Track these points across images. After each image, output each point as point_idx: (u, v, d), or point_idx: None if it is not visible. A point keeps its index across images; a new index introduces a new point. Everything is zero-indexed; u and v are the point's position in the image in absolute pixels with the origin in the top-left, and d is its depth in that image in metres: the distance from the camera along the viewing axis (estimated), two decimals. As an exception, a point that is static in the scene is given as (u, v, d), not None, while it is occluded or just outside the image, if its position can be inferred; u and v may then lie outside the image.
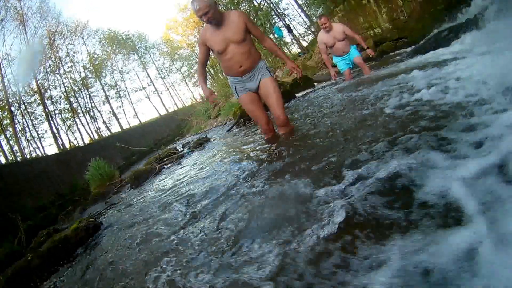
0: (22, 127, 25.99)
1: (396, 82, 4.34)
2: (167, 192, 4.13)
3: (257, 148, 3.95)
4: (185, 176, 4.66)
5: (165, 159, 7.68)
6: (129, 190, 6.57)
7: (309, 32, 29.62)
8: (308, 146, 3.00)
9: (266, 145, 3.80)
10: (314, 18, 27.51)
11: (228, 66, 3.66)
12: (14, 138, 24.35)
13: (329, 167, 2.26)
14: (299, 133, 3.71)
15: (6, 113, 24.50)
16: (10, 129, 24.47)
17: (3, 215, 9.80)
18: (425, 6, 9.65)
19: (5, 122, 24.50)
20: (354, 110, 3.70)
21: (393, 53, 11.16)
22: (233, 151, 4.79)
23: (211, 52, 3.75)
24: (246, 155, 3.83)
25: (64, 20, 35.30)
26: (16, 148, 24.29)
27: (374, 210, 1.48)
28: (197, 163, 5.50)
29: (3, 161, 22.32)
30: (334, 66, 7.39)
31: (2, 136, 23.90)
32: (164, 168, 7.00)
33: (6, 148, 23.64)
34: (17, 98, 26.14)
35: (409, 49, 9.51)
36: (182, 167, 5.86)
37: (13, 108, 25.13)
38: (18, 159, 23.16)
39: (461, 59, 4.42)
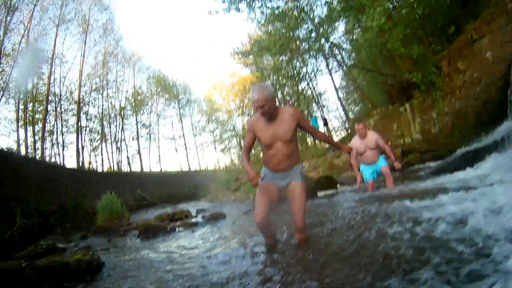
0: (51, 128, 25.92)
1: (416, 205, 4.26)
2: (175, 262, 4.00)
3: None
4: (195, 250, 4.62)
5: (177, 221, 7.64)
6: (136, 239, 6.45)
7: (343, 127, 30.00)
8: (314, 259, 3.02)
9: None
10: (350, 114, 28.03)
11: (267, 160, 3.64)
12: (40, 135, 24.28)
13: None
14: (310, 243, 3.63)
15: (42, 108, 24.68)
16: (40, 124, 24.38)
17: (5, 204, 9.81)
18: (456, 122, 9.65)
19: (37, 116, 24.54)
20: (368, 231, 3.61)
21: (417, 166, 10.90)
22: (244, 239, 4.70)
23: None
24: (253, 251, 3.81)
25: (122, 46, 35.28)
26: (39, 145, 24.15)
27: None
28: (209, 239, 5.40)
29: (23, 152, 22.28)
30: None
31: (30, 128, 23.85)
32: (176, 230, 6.88)
33: (30, 140, 23.63)
34: (57, 99, 26.42)
35: (433, 163, 9.39)
36: (193, 239, 5.72)
37: (49, 107, 25.28)
38: (37, 157, 22.99)
39: (479, 187, 4.37)
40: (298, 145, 3.74)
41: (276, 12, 15.22)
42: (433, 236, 2.86)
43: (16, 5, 21.12)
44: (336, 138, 27.87)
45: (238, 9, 14.94)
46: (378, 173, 6.95)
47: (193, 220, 7.80)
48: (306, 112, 25.30)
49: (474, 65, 8.52)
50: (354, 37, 18.07)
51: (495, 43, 7.75)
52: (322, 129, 27.82)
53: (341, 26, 19.47)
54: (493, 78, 7.92)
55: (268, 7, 15.26)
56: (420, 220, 3.44)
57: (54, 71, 25.72)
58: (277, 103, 3.66)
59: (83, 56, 28.60)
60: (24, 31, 22.48)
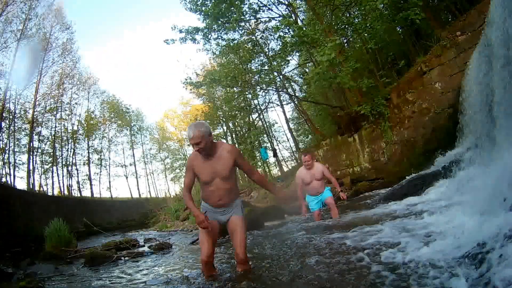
0: (3, 146, 24.24)
1: (358, 234, 4.46)
2: None
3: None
4: (137, 281, 4.54)
5: (124, 251, 7.52)
6: (82, 267, 6.28)
7: (293, 157, 30.41)
8: None
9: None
10: (301, 144, 28.50)
11: (207, 196, 3.66)
12: None
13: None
14: (251, 274, 3.63)
15: None
16: None
17: None
18: (405, 150, 9.99)
19: None
20: (308, 260, 3.74)
21: (367, 194, 11.11)
22: (187, 271, 4.63)
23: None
24: (194, 283, 3.78)
25: (80, 67, 33.68)
26: None
27: None
28: (152, 270, 5.33)
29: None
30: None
31: None
32: (122, 259, 6.74)
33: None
34: (11, 117, 24.86)
35: (383, 191, 9.54)
36: (138, 268, 5.63)
37: (3, 124, 23.74)
38: None
39: (425, 213, 4.62)
40: (237, 182, 3.82)
41: (231, 44, 15.45)
42: (368, 265, 3.02)
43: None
44: (285, 169, 28.20)
45: (194, 40, 15.00)
46: (323, 203, 7.03)
47: (140, 249, 7.75)
48: (256, 142, 25.36)
49: (423, 95, 8.95)
50: (307, 70, 18.69)
51: (444, 74, 8.21)
52: (272, 159, 28.16)
53: (293, 60, 20.10)
54: (442, 107, 8.37)
55: (223, 39, 15.47)
56: (357, 249, 3.67)
57: (10, 87, 24.40)
58: (222, 138, 3.69)
59: (40, 74, 27.41)
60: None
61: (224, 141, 22.21)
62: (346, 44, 14.36)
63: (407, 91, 9.60)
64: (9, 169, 24.64)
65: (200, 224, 3.50)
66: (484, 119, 5.86)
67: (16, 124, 25.77)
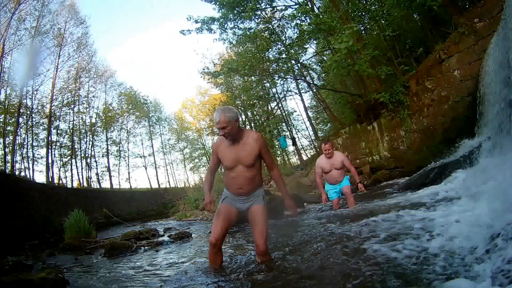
0: (22, 141, 24.83)
1: (376, 224, 4.50)
2: (137, 281, 3.96)
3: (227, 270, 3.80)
4: (158, 270, 4.52)
5: (143, 240, 7.56)
6: (102, 257, 6.33)
7: (312, 146, 30.28)
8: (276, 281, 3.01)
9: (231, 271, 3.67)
10: (319, 132, 28.34)
11: (228, 183, 3.65)
12: (10, 148, 23.26)
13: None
14: (272, 265, 3.60)
15: (13, 120, 23.67)
16: (11, 137, 23.50)
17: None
18: (425, 139, 9.83)
19: (8, 128, 23.62)
20: (330, 250, 3.76)
21: (386, 183, 11.05)
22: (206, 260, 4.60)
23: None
24: (214, 272, 3.67)
25: (96, 61, 34.01)
26: (9, 158, 23.10)
27: None
28: (172, 259, 5.32)
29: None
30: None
31: (1, 140, 22.80)
32: (141, 249, 6.82)
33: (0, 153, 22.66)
34: (28, 112, 25.39)
35: (402, 180, 9.50)
36: (158, 258, 5.65)
37: (20, 120, 24.33)
38: (7, 170, 21.80)
39: (444, 202, 4.72)
40: (260, 172, 3.74)
41: (248, 33, 15.36)
42: (387, 254, 3.04)
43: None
44: (304, 157, 28.09)
45: (210, 30, 14.94)
46: (341, 192, 7.05)
47: (160, 239, 7.78)
48: (275, 131, 25.35)
49: (442, 83, 8.75)
50: (325, 58, 18.46)
51: (463, 62, 8.01)
52: (291, 147, 28.09)
53: (311, 48, 19.88)
54: (461, 95, 8.17)
55: (240, 28, 15.39)
56: (378, 238, 3.68)
57: (27, 83, 24.83)
58: (242, 126, 3.66)
59: (57, 69, 27.87)
60: (0, 40, 21.72)
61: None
62: (363, 32, 14.09)
63: (426, 79, 9.40)
64: (28, 163, 25.39)
65: (206, 206, 3.67)
66: (503, 108, 5.72)
67: (34, 119, 26.36)
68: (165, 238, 7.93)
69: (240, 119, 3.77)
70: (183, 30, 14.85)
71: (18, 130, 23.97)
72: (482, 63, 7.17)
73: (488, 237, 2.52)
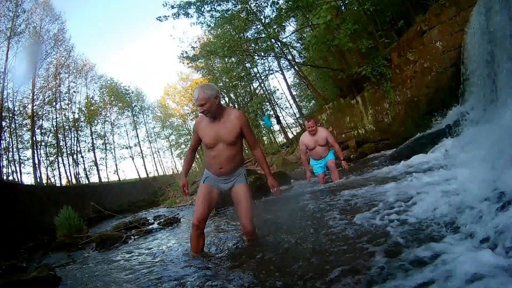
0: (6, 145, 24.31)
1: (360, 195, 4.58)
2: (127, 269, 3.96)
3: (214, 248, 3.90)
4: (147, 256, 4.57)
5: (133, 230, 7.63)
6: (93, 251, 6.33)
7: (297, 124, 30.41)
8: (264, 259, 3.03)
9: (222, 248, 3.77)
10: (304, 110, 28.40)
11: (209, 162, 3.59)
12: None
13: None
14: (259, 244, 3.62)
15: None
16: None
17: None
18: (409, 110, 9.90)
19: None
20: (316, 223, 3.85)
21: (373, 155, 11.23)
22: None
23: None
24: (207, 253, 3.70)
25: (74, 56, 33.24)
26: None
27: None
28: (161, 244, 5.39)
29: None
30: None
31: None
32: (131, 238, 6.86)
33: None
34: (10, 115, 24.86)
35: (388, 152, 9.64)
36: (147, 245, 5.70)
37: (3, 123, 23.70)
38: None
39: (431, 171, 4.74)
40: (242, 151, 3.71)
41: (226, 15, 15.14)
42: (376, 223, 3.10)
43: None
44: (290, 135, 28.22)
45: (187, 14, 14.67)
46: (326, 166, 7.14)
47: (149, 227, 7.84)
48: (259, 111, 25.32)
49: (424, 55, 8.76)
50: (304, 36, 18.36)
51: (444, 33, 8.00)
52: (276, 126, 28.15)
53: (290, 25, 19.75)
54: (444, 66, 8.22)
55: (217, 11, 15.14)
56: (363, 208, 3.77)
57: (6, 86, 24.22)
58: (223, 104, 3.60)
59: (35, 68, 27.29)
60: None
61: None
62: (343, 7, 14.00)
63: (407, 51, 9.41)
64: (15, 166, 25.01)
65: (180, 189, 3.65)
66: (486, 78, 5.82)
67: (16, 122, 25.88)
68: (155, 225, 8.00)
69: (223, 101, 3.70)
70: (160, 17, 14.60)
71: (1, 134, 23.45)
72: (463, 35, 7.23)
73: (474, 204, 2.59)
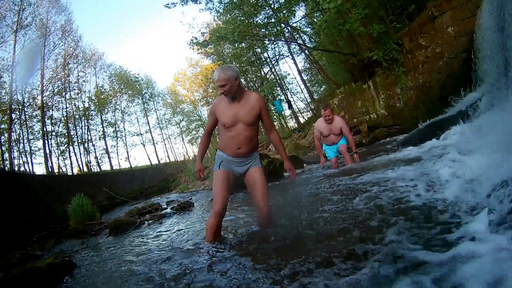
0: (17, 137, 24.89)
1: (377, 178, 4.57)
2: (141, 254, 4.04)
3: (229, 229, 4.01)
4: (162, 241, 4.65)
5: (147, 215, 7.66)
6: (107, 237, 6.40)
7: (308, 108, 30.26)
8: (280, 241, 3.05)
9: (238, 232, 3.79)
10: (315, 95, 28.21)
11: (226, 143, 3.53)
12: (7, 145, 23.21)
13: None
14: (276, 227, 3.58)
15: (6, 118, 23.62)
16: (6, 135, 23.43)
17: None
18: (421, 96, 9.86)
19: (2, 126, 23.66)
20: (332, 206, 3.82)
21: (385, 140, 11.19)
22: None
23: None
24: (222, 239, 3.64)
25: (82, 46, 33.42)
26: (6, 155, 23.03)
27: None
28: (174, 229, 5.44)
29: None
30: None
31: None
32: (145, 223, 6.91)
33: (-4, 152, 22.63)
34: (20, 107, 25.32)
35: (400, 137, 9.57)
36: (161, 230, 5.75)
37: (13, 116, 24.22)
38: (6, 167, 21.90)
39: (444, 156, 4.62)
40: (258, 134, 3.67)
41: (235, 0, 15.03)
42: (389, 205, 3.19)
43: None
44: (302, 120, 28.13)
45: (195, 0, 14.62)
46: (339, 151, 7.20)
47: (162, 212, 7.88)
48: (270, 96, 25.24)
49: (436, 40, 8.68)
50: (315, 20, 18.13)
51: (456, 18, 7.92)
52: (287, 111, 28.09)
53: (301, 10, 19.49)
54: (456, 52, 8.14)
55: (226, -5, 15.03)
56: (376, 193, 3.77)
57: (15, 79, 24.57)
58: (243, 87, 3.59)
59: (43, 60, 27.57)
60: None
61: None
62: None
63: (419, 36, 9.30)
64: (26, 157, 25.57)
65: (196, 173, 3.68)
66: (498, 63, 5.74)
67: (26, 113, 26.29)
68: (168, 210, 8.04)
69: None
70: (168, 4, 14.51)
71: (12, 126, 23.92)
72: (475, 20, 7.11)
73: (487, 190, 2.62)
